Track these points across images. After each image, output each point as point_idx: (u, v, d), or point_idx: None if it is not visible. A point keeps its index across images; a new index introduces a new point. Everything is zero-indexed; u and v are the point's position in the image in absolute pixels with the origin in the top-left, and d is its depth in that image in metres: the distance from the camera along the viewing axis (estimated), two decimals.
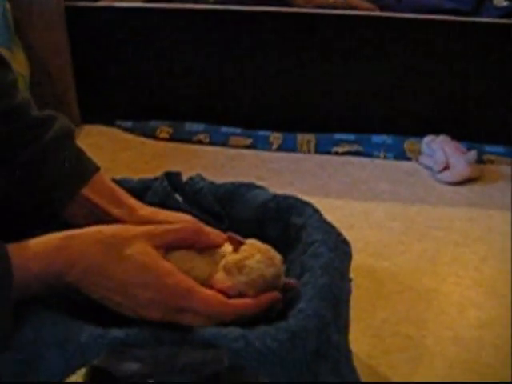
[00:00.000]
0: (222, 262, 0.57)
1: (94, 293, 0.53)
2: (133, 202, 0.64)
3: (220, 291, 0.55)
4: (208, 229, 0.60)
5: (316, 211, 0.66)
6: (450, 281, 0.87)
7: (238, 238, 0.58)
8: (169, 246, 0.56)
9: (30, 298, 0.52)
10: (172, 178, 0.70)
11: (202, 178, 0.71)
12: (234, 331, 0.49)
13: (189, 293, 0.53)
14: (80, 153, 0.65)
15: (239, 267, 0.56)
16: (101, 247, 0.52)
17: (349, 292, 0.60)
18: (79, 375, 0.66)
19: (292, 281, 0.58)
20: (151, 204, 0.66)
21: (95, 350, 0.49)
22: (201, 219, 0.63)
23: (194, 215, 0.63)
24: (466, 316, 0.81)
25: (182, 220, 0.62)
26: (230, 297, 0.55)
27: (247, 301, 0.55)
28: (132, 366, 0.54)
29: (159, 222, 0.59)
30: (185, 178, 0.72)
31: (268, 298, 0.56)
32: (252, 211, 0.67)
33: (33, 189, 0.62)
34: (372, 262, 0.90)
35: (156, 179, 0.72)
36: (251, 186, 0.70)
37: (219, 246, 0.58)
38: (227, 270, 0.56)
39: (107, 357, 0.54)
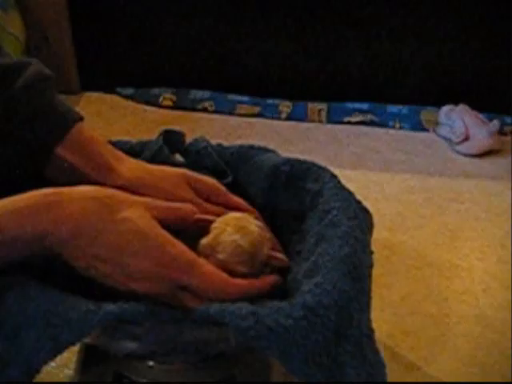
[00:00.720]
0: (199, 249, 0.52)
1: (78, 260, 0.46)
2: (115, 161, 0.55)
3: None
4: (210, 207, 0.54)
5: (334, 177, 0.60)
6: (472, 257, 0.81)
7: (207, 217, 0.53)
8: (163, 224, 0.49)
9: (9, 267, 0.45)
10: (173, 137, 0.64)
11: (207, 140, 0.65)
12: (243, 307, 0.43)
13: (191, 266, 0.47)
14: (57, 103, 0.56)
15: (213, 246, 0.51)
16: (95, 205, 0.46)
17: (371, 265, 0.54)
18: (72, 353, 0.61)
19: (279, 255, 0.54)
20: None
21: (86, 326, 0.43)
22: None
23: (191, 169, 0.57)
24: (490, 294, 0.75)
25: (176, 184, 0.55)
26: None
27: (252, 281, 0.50)
28: (129, 345, 0.49)
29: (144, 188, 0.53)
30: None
31: (272, 280, 0.51)
32: (262, 175, 0.61)
33: (5, 148, 0.54)
34: (389, 236, 0.84)
35: (157, 140, 0.66)
36: (262, 149, 0.64)
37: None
38: (204, 254, 0.51)
39: (101, 334, 0.49)
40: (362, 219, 0.56)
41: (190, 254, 0.48)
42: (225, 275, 0.49)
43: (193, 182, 0.57)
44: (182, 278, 0.47)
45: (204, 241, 0.52)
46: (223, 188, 0.58)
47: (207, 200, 0.57)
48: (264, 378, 0.55)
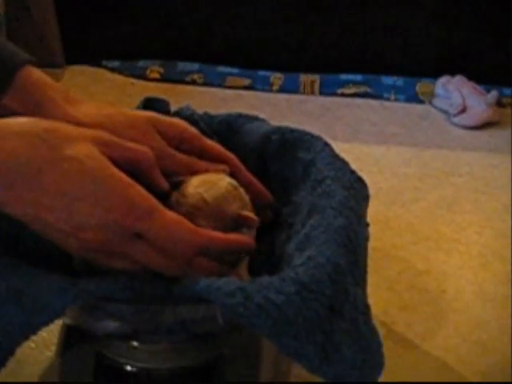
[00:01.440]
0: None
1: (14, 207, 0.39)
2: (69, 105, 0.49)
3: None
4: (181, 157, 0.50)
5: (327, 145, 0.56)
6: (471, 230, 0.78)
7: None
8: (115, 164, 0.42)
9: None
10: (156, 105, 0.60)
11: (192, 108, 0.61)
12: (230, 283, 0.40)
13: (150, 212, 0.41)
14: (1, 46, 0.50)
15: (178, 199, 0.48)
16: (32, 141, 0.39)
17: (367, 238, 0.51)
18: (53, 334, 0.58)
19: (249, 214, 0.50)
20: None
21: (59, 305, 0.40)
22: None
23: None
24: (490, 269, 0.72)
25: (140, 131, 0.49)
26: None
27: (217, 233, 0.45)
28: (109, 325, 0.46)
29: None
30: None
31: (240, 238, 0.47)
32: (252, 144, 0.57)
33: None
34: (385, 210, 0.81)
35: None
36: (251, 118, 0.60)
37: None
38: (170, 207, 0.47)
39: (79, 314, 0.46)
40: (357, 189, 0.53)
41: (150, 199, 0.42)
42: (188, 223, 0.43)
43: (161, 127, 0.51)
44: (139, 225, 0.41)
45: (172, 195, 0.49)
46: (197, 132, 0.53)
47: (179, 147, 0.52)
48: (255, 356, 0.53)
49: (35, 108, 0.48)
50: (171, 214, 0.43)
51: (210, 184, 0.49)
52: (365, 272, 0.50)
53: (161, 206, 0.43)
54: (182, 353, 0.50)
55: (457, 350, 0.62)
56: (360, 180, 0.56)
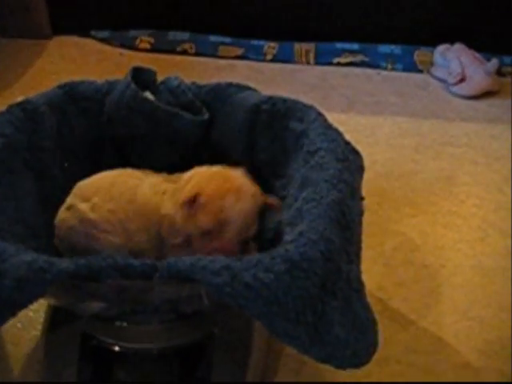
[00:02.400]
0: None
1: None
2: None
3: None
4: None
5: (320, 115, 0.54)
6: (469, 203, 0.76)
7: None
8: None
9: None
10: (144, 75, 0.58)
11: (180, 78, 0.59)
12: (216, 261, 0.38)
13: None
14: None
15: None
16: None
17: (361, 212, 0.49)
18: (39, 313, 0.56)
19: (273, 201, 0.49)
20: (116, 105, 0.53)
21: (37, 286, 0.38)
22: (174, 114, 0.51)
23: (165, 110, 0.51)
24: (488, 243, 0.70)
25: None
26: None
27: None
28: (94, 305, 0.44)
29: None
30: None
31: None
32: (242, 114, 0.55)
33: None
34: (381, 183, 0.78)
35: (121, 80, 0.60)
36: (241, 87, 0.58)
37: None
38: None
39: (62, 294, 0.44)
40: (351, 161, 0.51)
41: None
42: None
43: None
44: None
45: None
46: None
47: None
48: (246, 335, 0.51)
49: None
50: None
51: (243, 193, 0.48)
52: (359, 248, 0.48)
53: None
54: (170, 332, 0.48)
55: (454, 326, 0.60)
56: (354, 151, 0.53)
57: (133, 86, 0.55)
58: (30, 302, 0.38)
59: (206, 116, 0.55)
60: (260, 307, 0.37)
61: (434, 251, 0.69)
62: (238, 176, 0.49)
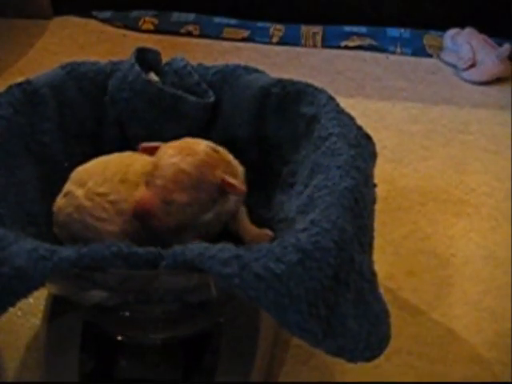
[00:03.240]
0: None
1: None
2: None
3: (143, 206, 0.43)
4: None
5: (331, 99, 0.52)
6: (480, 191, 0.75)
7: (152, 144, 0.47)
8: None
9: None
10: (148, 56, 0.56)
11: (185, 59, 0.57)
12: (225, 250, 0.36)
13: None
14: None
15: (152, 172, 0.45)
16: None
17: (374, 200, 0.47)
18: (40, 301, 0.55)
19: (233, 181, 0.46)
20: (118, 86, 0.51)
21: (37, 276, 0.36)
22: (179, 97, 0.49)
23: (169, 93, 0.49)
24: (500, 232, 0.69)
25: None
26: (162, 213, 0.44)
27: None
28: (96, 295, 0.42)
29: None
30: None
31: None
32: (249, 98, 0.53)
33: None
34: (390, 170, 0.77)
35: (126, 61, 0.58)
36: (249, 69, 0.56)
37: None
38: (146, 183, 0.45)
39: (63, 283, 0.42)
40: (364, 147, 0.49)
41: None
42: None
43: None
44: None
45: (146, 169, 0.46)
46: None
47: None
48: (253, 324, 0.49)
49: None
50: None
51: (186, 151, 0.44)
52: (371, 237, 0.47)
53: None
54: (175, 322, 0.47)
55: (465, 317, 0.59)
56: (367, 136, 0.51)
57: (136, 67, 0.53)
58: (30, 291, 0.36)
59: (212, 99, 0.53)
60: (271, 299, 0.35)
61: (444, 240, 0.67)
62: (198, 143, 0.47)
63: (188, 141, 0.46)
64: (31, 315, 0.56)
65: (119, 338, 0.48)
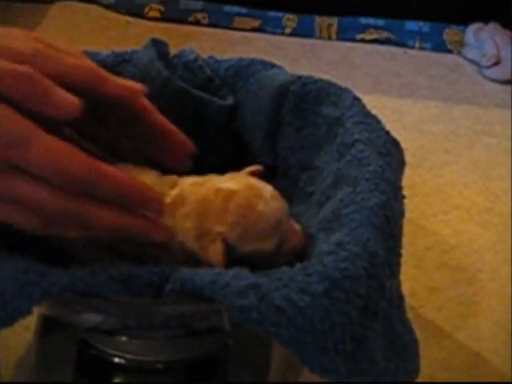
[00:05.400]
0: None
1: None
2: None
3: None
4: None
5: (357, 99, 0.47)
6: (506, 199, 0.70)
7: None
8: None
9: None
10: (157, 47, 0.51)
11: (196, 52, 0.52)
12: (240, 277, 0.32)
13: (24, 137, 0.35)
14: None
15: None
16: None
17: (402, 214, 0.43)
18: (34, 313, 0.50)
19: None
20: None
21: (23, 304, 0.32)
22: (202, 98, 0.44)
23: (196, 97, 0.44)
24: None
25: None
26: None
27: (116, 170, 0.37)
28: (92, 318, 0.38)
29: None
30: None
31: (147, 190, 0.37)
32: (266, 97, 0.48)
33: None
34: (410, 174, 0.70)
35: (134, 52, 0.53)
36: (266, 64, 0.51)
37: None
38: None
39: (53, 305, 0.37)
40: (393, 155, 0.44)
41: (21, 122, 0.35)
42: (74, 149, 0.36)
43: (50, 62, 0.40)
44: (11, 154, 0.34)
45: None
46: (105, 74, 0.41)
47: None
48: (265, 346, 0.45)
49: None
50: (52, 138, 0.35)
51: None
52: (399, 255, 0.42)
53: (39, 130, 0.35)
54: (179, 345, 0.42)
55: (493, 341, 0.54)
56: (395, 142, 0.47)
57: (165, 72, 0.47)
58: (15, 321, 0.32)
59: (231, 101, 0.48)
60: (292, 335, 0.31)
61: (469, 253, 0.62)
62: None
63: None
64: (23, 329, 0.51)
65: (116, 359, 0.43)
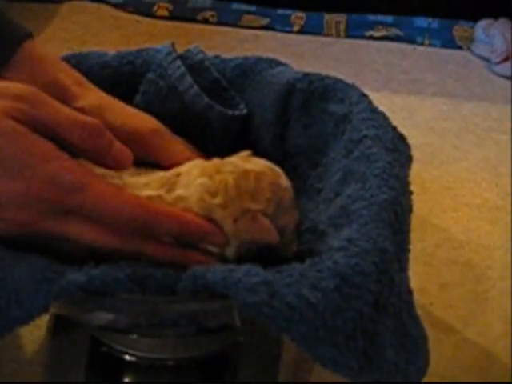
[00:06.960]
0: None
1: None
2: (75, 86, 0.45)
3: None
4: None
5: (364, 96, 0.47)
6: None
7: None
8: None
9: None
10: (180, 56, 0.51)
11: (202, 51, 0.52)
12: (252, 274, 0.32)
13: (79, 185, 0.35)
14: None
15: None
16: None
17: (410, 209, 0.43)
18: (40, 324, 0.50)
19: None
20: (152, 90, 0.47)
21: (39, 302, 0.32)
22: (204, 107, 0.44)
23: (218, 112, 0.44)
24: None
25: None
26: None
27: (171, 209, 0.37)
28: (103, 317, 0.38)
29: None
30: None
31: (199, 222, 0.37)
32: (273, 94, 0.48)
33: None
34: (420, 171, 0.71)
35: (139, 51, 0.53)
36: (273, 62, 0.51)
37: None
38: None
39: (64, 305, 0.38)
40: (401, 151, 0.44)
41: (78, 170, 0.36)
42: (129, 193, 0.37)
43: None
44: (67, 200, 0.35)
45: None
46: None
47: None
48: (276, 342, 0.45)
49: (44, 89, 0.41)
50: (106, 185, 0.36)
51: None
52: (408, 250, 0.42)
53: (94, 177, 0.36)
54: (189, 343, 0.42)
55: (505, 338, 0.54)
56: (403, 139, 0.47)
57: (196, 88, 0.47)
58: (31, 319, 0.32)
59: (244, 111, 0.48)
60: (303, 331, 0.31)
61: (479, 250, 0.62)
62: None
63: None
64: (35, 327, 0.52)
65: (128, 357, 0.44)
